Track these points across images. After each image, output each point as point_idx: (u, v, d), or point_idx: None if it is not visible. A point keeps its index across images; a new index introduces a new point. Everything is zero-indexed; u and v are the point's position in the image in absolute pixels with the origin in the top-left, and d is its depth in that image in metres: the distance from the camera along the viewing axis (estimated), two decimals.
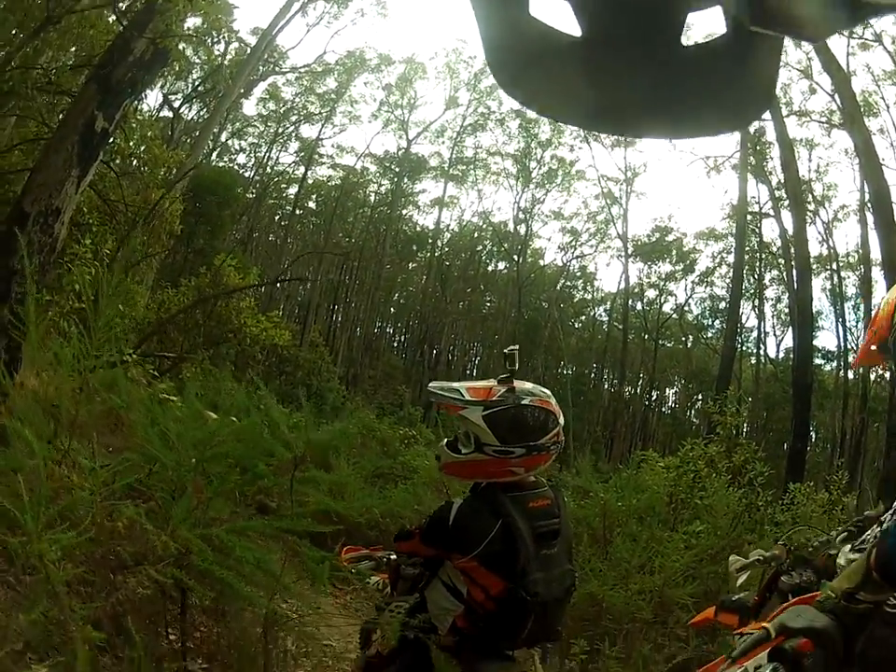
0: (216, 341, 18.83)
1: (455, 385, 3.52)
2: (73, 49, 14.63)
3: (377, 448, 13.70)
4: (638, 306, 52.13)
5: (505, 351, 3.50)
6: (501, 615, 3.27)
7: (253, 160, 51.23)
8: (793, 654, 1.66)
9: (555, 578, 3.36)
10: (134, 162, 16.03)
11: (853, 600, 1.81)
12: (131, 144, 15.03)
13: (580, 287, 57.12)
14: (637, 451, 12.85)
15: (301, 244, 53.33)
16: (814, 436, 44.13)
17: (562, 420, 3.47)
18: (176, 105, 37.41)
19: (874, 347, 3.19)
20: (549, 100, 0.89)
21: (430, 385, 3.64)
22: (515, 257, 50.07)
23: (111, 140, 11.82)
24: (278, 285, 42.42)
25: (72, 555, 3.68)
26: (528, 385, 3.51)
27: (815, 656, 1.67)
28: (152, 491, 4.39)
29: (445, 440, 3.64)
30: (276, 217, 55.20)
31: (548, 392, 3.52)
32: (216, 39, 30.57)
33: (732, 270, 38.25)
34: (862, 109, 29.74)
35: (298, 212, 53.96)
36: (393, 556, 3.85)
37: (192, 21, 16.79)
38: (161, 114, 35.68)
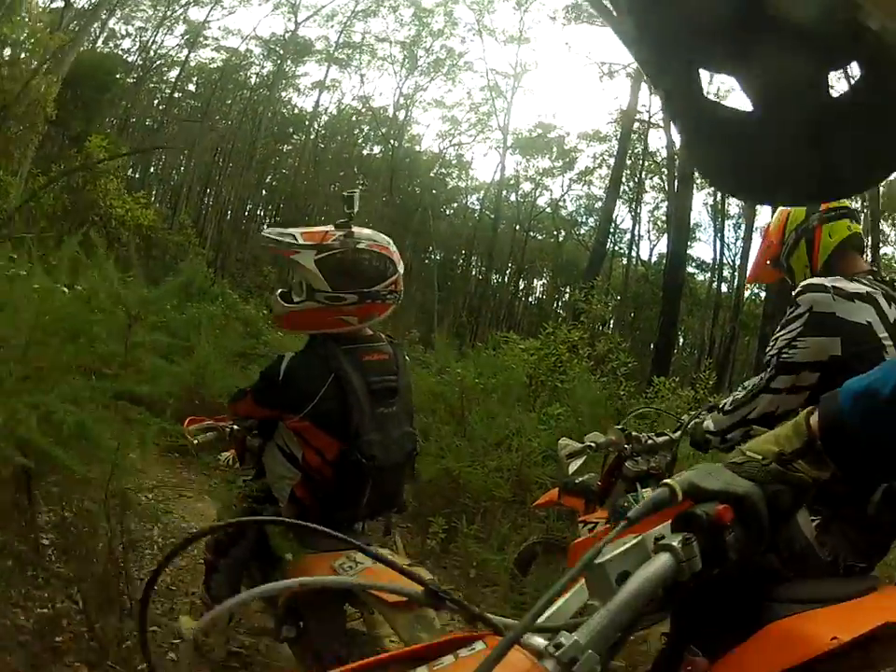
0: (82, 224, 18.15)
1: (291, 230, 3.29)
2: None
3: (241, 329, 13.37)
4: (512, 198, 52.20)
5: (344, 193, 3.29)
6: (338, 481, 3.10)
7: (138, 44, 48.46)
8: (709, 523, 1.22)
9: (394, 441, 3.21)
10: (17, 51, 15.31)
11: (789, 467, 1.37)
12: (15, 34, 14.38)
13: (454, 176, 56.54)
14: (511, 334, 12.72)
15: (178, 127, 51.38)
16: (682, 341, 45.28)
17: (401, 268, 3.30)
18: None
19: (768, 262, 3.25)
20: (732, 175, 0.94)
21: (264, 231, 3.40)
22: (392, 141, 49.50)
23: None
24: (151, 169, 41.14)
25: None
26: (367, 231, 3.31)
27: (736, 530, 1.24)
28: None
29: (279, 290, 3.40)
30: (155, 102, 52.93)
31: (388, 239, 3.33)
32: None
33: (611, 170, 38.05)
34: None
35: (177, 95, 51.46)
36: (237, 427, 3.54)
37: None
38: (55, 5, 33.96)
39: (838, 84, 0.85)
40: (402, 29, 50.30)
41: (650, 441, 3.77)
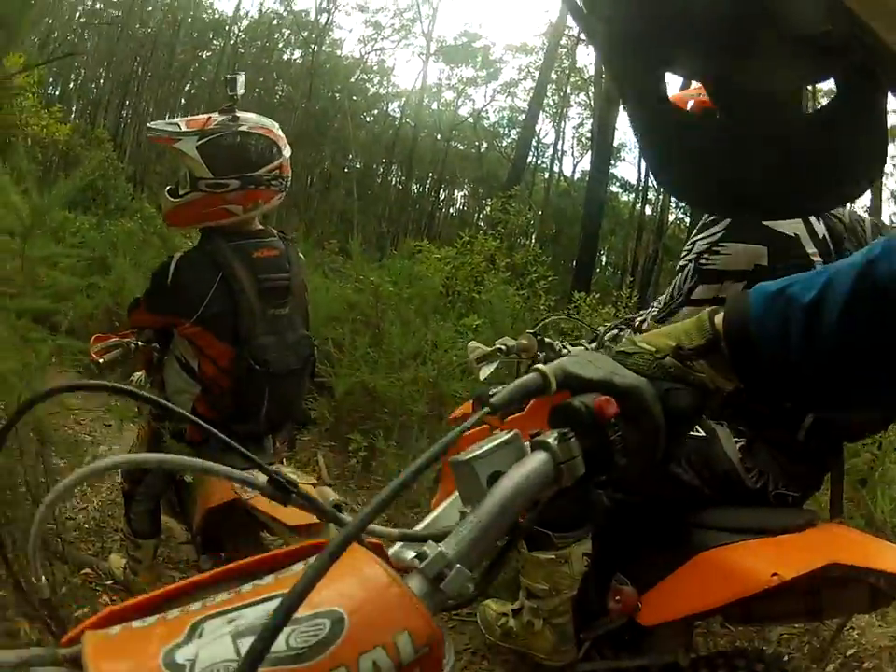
0: (1, 148, 17.51)
1: (177, 119, 3.16)
2: None
3: (159, 244, 13.13)
4: (434, 106, 51.62)
5: (226, 76, 3.20)
6: (236, 392, 3.01)
7: None
8: (590, 417, 1.03)
9: (289, 345, 3.13)
10: None
11: (687, 364, 1.17)
12: None
13: (375, 82, 55.69)
14: (425, 243, 12.56)
15: (98, 38, 49.63)
16: (604, 260, 45.72)
17: (287, 152, 3.19)
18: None
19: None
20: (695, 187, 0.93)
21: (149, 124, 3.27)
22: (312, 46, 48.35)
23: None
24: (71, 84, 39.75)
25: None
26: (252, 115, 3.21)
27: (623, 428, 1.04)
28: None
29: (167, 186, 3.25)
30: (77, 15, 51.10)
31: (274, 123, 3.23)
32: None
33: (536, 83, 37.61)
34: None
35: (98, 6, 49.55)
36: (140, 342, 3.40)
37: None
38: None
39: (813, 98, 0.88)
40: None
41: (563, 350, 3.67)
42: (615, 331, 3.60)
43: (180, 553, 4.06)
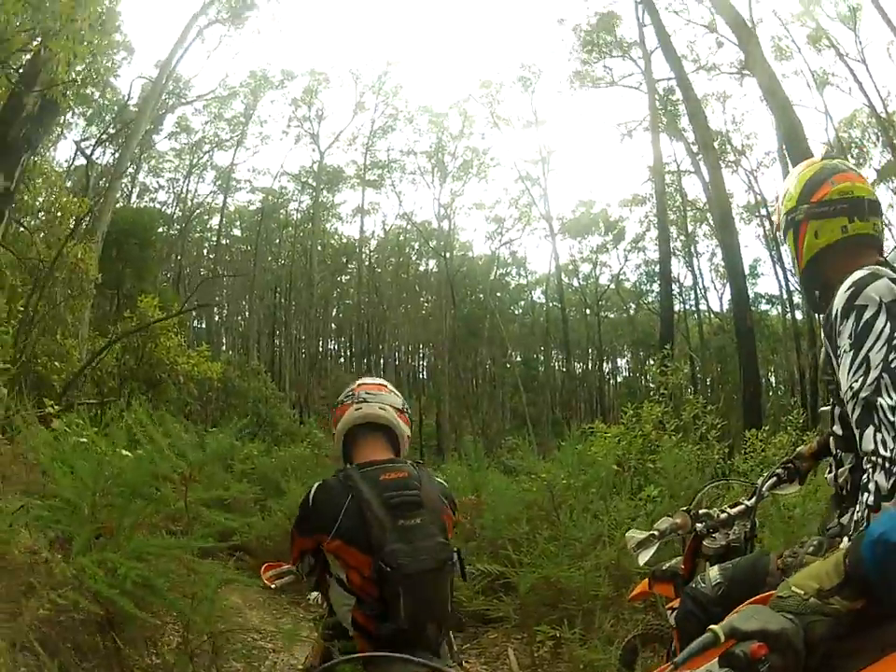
0: (153, 384, 18.62)
1: None
2: None
3: (332, 465, 13.56)
4: (575, 282, 52.36)
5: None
6: (380, 596, 3.19)
7: (172, 195, 50.90)
8: (746, 660, 1.48)
9: (423, 549, 3.29)
10: (42, 216, 15.91)
11: (827, 601, 1.65)
12: (38, 199, 15.02)
13: (513, 274, 57.85)
14: (597, 424, 12.60)
15: (233, 273, 52.73)
16: (774, 381, 44.63)
17: (364, 379, 3.83)
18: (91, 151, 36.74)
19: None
20: None
21: None
22: (443, 253, 50.09)
23: (16, 197, 11.84)
24: (193, 313, 42.07)
25: None
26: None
27: (770, 661, 1.49)
28: (60, 525, 4.58)
29: None
30: (205, 251, 54.89)
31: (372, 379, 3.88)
32: (110, 78, 29.75)
33: (658, 229, 37.94)
34: (773, 54, 30.35)
35: (224, 242, 53.84)
36: (305, 573, 3.70)
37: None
38: (78, 162, 35.66)
39: None
40: (422, 137, 52.38)
41: (722, 515, 3.72)
42: (772, 479, 3.64)
43: None
